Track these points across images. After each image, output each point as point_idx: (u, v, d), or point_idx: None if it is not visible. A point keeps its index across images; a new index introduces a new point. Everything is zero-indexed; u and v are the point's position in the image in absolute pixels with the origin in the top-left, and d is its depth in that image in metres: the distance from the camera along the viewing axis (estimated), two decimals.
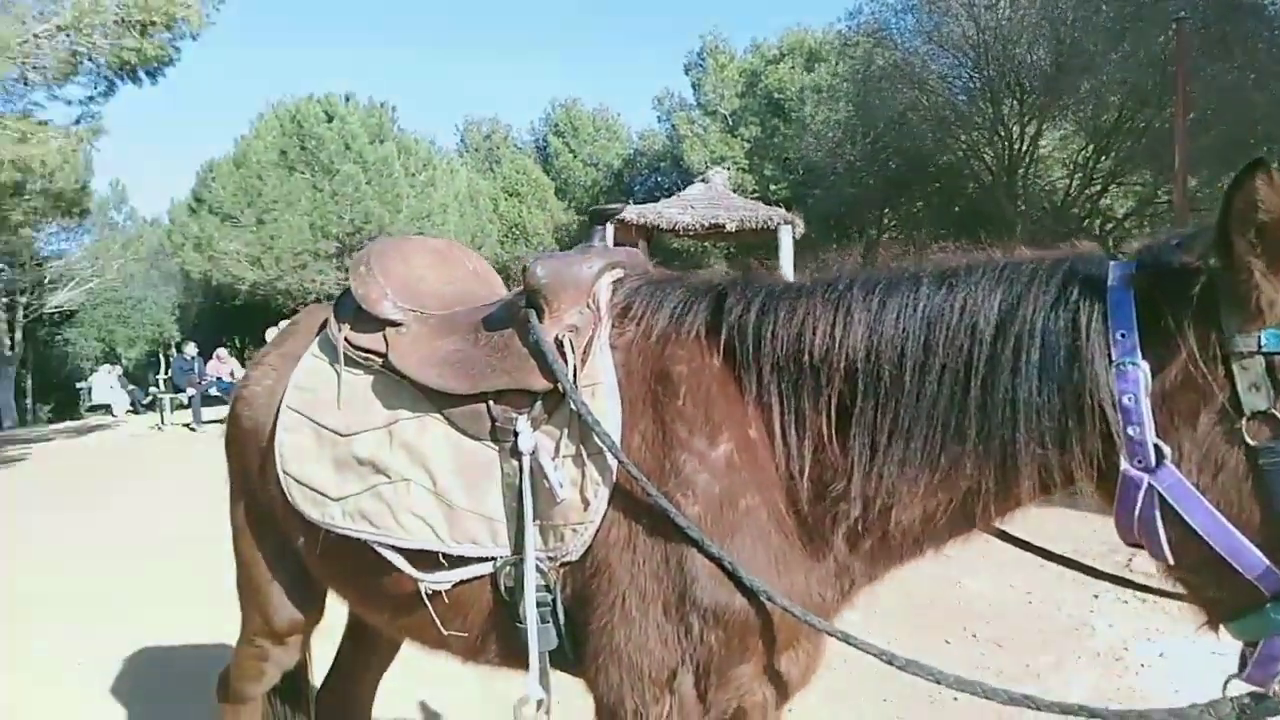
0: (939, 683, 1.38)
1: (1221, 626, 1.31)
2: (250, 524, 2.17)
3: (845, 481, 1.45)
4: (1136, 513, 1.26)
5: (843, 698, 3.88)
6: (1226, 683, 1.29)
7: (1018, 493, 1.38)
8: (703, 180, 15.99)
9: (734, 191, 16.80)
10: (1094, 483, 1.33)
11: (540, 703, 1.60)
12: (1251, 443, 1.18)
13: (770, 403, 1.52)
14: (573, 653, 1.65)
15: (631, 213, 14.38)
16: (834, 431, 1.47)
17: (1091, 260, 1.36)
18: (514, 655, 1.70)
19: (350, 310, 1.92)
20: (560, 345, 1.63)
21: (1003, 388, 1.33)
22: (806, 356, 1.48)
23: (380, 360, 1.84)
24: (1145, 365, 1.24)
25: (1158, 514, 1.24)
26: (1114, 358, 1.26)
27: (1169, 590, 1.41)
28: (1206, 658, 4.22)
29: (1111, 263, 1.33)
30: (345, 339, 1.89)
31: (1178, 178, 10.75)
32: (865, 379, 1.44)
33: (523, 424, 1.62)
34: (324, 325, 1.99)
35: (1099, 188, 18.12)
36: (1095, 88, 15.83)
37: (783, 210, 15.42)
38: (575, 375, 1.60)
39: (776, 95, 25.58)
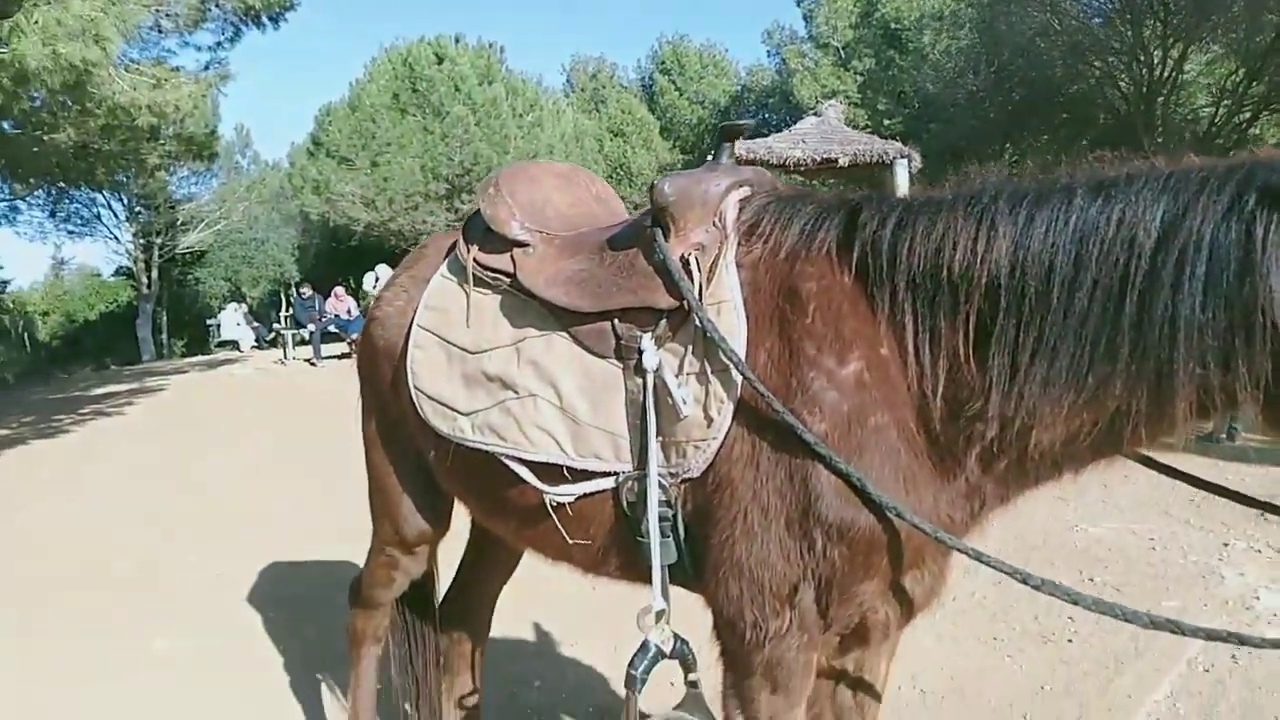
0: (1075, 603, 1.35)
1: None
2: (382, 438, 2.26)
3: (982, 401, 1.41)
4: None
5: (952, 638, 3.85)
6: None
7: (1172, 414, 1.31)
8: (815, 114, 15.51)
9: (847, 125, 16.26)
10: (1259, 405, 1.26)
11: (661, 614, 1.64)
12: None
13: (904, 320, 1.48)
14: (692, 568, 1.68)
15: (740, 148, 14.08)
16: (971, 350, 1.42)
17: (1273, 167, 1.25)
18: (634, 568, 1.74)
19: (479, 232, 1.96)
20: (686, 263, 1.63)
21: (1162, 304, 1.26)
22: (945, 272, 1.43)
23: (508, 280, 1.87)
24: None
25: None
26: None
27: None
28: None
29: None
30: (474, 259, 1.93)
31: None
32: (1008, 295, 1.38)
33: (647, 342, 1.64)
34: (453, 248, 2.04)
35: (1249, 115, 16.70)
36: (1249, 5, 14.50)
37: (899, 144, 14.83)
38: (701, 293, 1.60)
39: (893, 25, 24.44)
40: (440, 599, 2.73)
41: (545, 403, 1.76)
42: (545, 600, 4.06)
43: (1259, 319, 1.20)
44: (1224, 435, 7.43)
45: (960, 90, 19.93)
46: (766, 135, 16.64)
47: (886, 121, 22.83)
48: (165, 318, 28.21)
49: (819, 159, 14.45)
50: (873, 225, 1.53)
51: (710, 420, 1.58)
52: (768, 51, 30.87)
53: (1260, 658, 3.47)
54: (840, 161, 14.38)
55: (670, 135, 30.62)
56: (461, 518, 2.46)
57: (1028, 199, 1.41)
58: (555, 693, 3.45)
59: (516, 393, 1.80)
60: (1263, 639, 1.34)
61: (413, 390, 2.01)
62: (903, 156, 14.24)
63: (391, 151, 22.08)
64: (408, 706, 2.74)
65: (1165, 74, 16.15)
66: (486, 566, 2.66)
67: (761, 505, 1.52)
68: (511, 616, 3.74)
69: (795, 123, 16.74)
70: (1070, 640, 3.76)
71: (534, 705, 3.36)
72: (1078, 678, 3.45)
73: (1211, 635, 1.32)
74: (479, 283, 1.93)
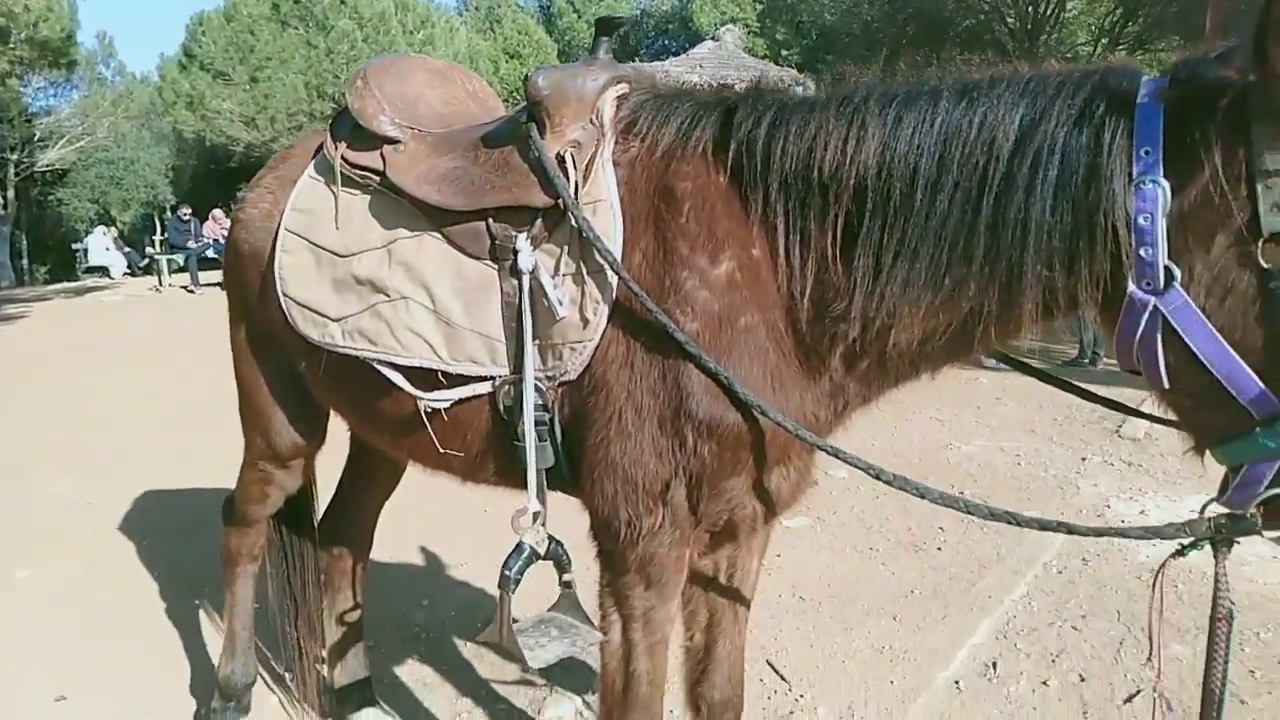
0: (923, 497, 1.40)
1: (1208, 451, 1.31)
2: (251, 348, 2.18)
3: (846, 301, 1.43)
4: (1138, 336, 1.24)
5: (831, 549, 4.03)
6: (1205, 505, 1.31)
7: (1019, 316, 1.35)
8: (713, 39, 15.41)
9: (744, 52, 16.23)
10: (1098, 306, 1.30)
11: (536, 515, 1.64)
12: (1265, 265, 1.14)
13: (775, 222, 1.48)
14: (569, 471, 1.68)
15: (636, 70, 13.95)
16: (838, 251, 1.44)
17: (1124, 74, 1.28)
18: (511, 474, 1.73)
19: (347, 128, 1.87)
20: (562, 161, 1.58)
21: (1015, 207, 1.29)
22: (816, 173, 1.43)
23: (378, 178, 1.79)
24: (1166, 184, 1.19)
25: (1159, 337, 1.22)
26: (1134, 175, 1.21)
27: (1160, 416, 1.41)
28: (1185, 515, 4.36)
29: (1144, 77, 1.26)
30: (342, 157, 1.84)
31: (1207, 43, 10.25)
32: (875, 197, 1.39)
33: (522, 242, 1.60)
34: (321, 147, 1.94)
35: (1123, 54, 17.43)
36: None
37: (794, 71, 14.92)
38: (577, 191, 1.56)
39: None
40: (320, 515, 2.67)
41: (418, 305, 1.70)
42: (434, 524, 4.04)
43: (1100, 221, 1.24)
44: (1087, 360, 7.95)
45: (856, 21, 20.08)
46: (664, 60, 16.49)
47: (784, 52, 22.93)
48: (25, 241, 26.24)
49: (716, 85, 14.43)
50: (748, 125, 1.52)
51: (586, 322, 1.56)
52: None
53: (1107, 560, 3.77)
54: (737, 88, 14.39)
55: (568, 59, 29.89)
56: (340, 436, 2.40)
57: (898, 100, 1.41)
58: (444, 611, 3.46)
59: (388, 296, 1.74)
60: (1088, 528, 1.43)
61: (281, 297, 1.93)
62: (798, 85, 14.35)
63: (272, 66, 20.86)
64: (287, 626, 2.69)
65: (1049, 11, 16.63)
66: (367, 480, 2.61)
67: (635, 405, 1.53)
68: (399, 541, 3.71)
69: (693, 48, 16.62)
70: (939, 549, 3.99)
71: (422, 624, 3.36)
72: (944, 581, 3.67)
73: (1043, 525, 1.40)
74: (348, 182, 1.85)
